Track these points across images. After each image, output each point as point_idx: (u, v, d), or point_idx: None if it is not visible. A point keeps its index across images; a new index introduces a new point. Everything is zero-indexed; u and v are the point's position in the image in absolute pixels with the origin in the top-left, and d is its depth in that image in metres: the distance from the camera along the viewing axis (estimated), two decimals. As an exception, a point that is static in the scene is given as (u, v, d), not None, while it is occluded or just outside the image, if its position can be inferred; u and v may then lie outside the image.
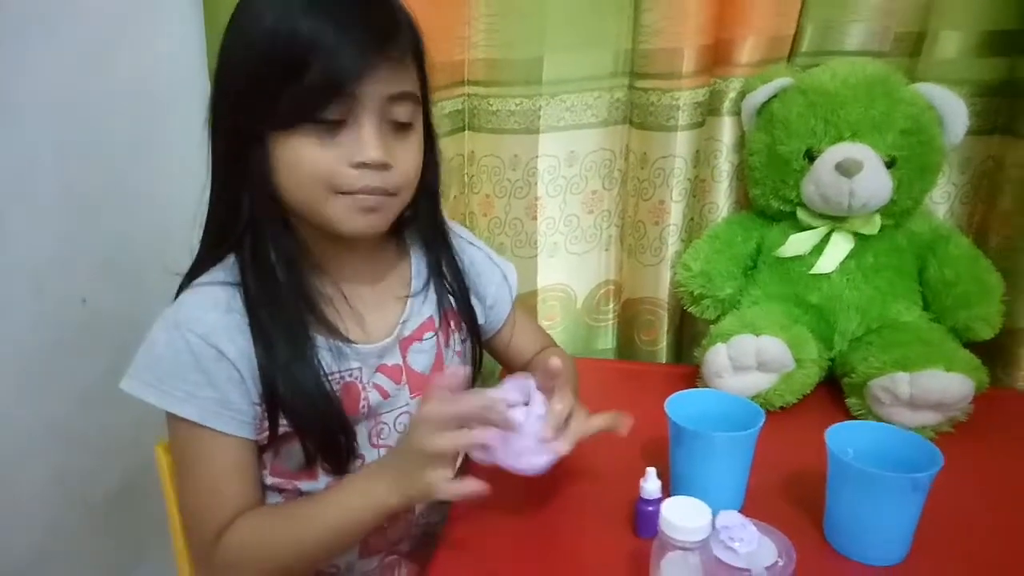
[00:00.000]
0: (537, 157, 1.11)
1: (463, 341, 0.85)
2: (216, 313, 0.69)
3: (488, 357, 0.92)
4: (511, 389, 0.71)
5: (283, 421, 0.71)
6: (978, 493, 0.82)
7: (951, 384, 0.86)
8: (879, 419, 0.89)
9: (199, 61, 1.02)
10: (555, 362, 0.69)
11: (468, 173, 1.14)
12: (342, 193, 0.67)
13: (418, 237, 0.83)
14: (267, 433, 0.72)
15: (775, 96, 1.02)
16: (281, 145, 0.66)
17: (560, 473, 0.77)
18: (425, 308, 0.81)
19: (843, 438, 0.70)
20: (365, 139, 0.66)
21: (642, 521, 0.71)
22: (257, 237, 0.70)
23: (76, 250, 0.94)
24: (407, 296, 0.80)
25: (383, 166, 0.67)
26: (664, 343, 1.16)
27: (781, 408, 0.95)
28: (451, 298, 0.84)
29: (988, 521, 0.77)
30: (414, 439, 0.65)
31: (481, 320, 0.88)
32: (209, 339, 0.68)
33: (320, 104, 0.64)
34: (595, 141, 1.13)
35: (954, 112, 0.98)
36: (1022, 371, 1.04)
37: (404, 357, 0.79)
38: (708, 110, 1.07)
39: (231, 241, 0.71)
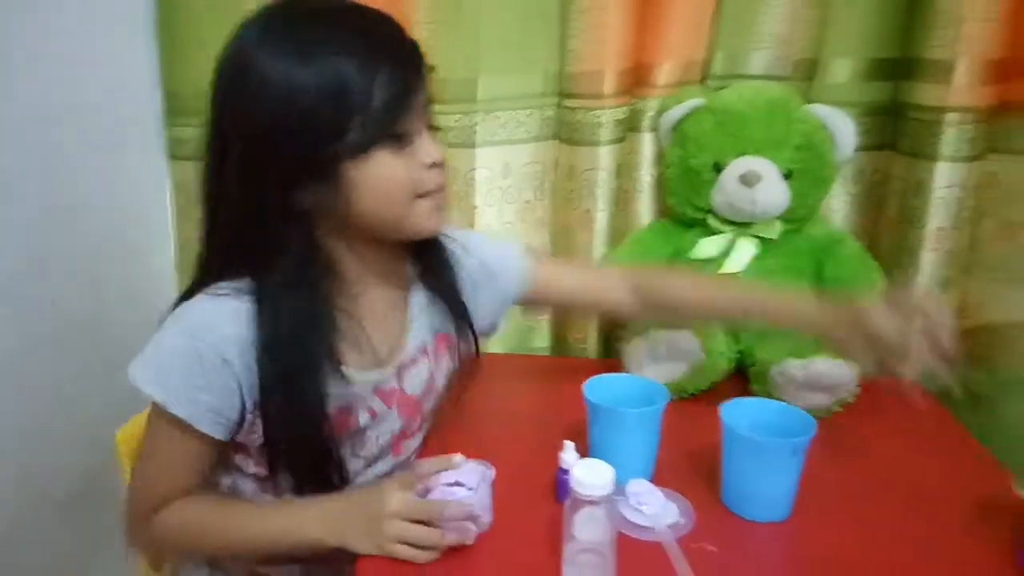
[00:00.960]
0: (475, 169, 1.20)
1: (452, 360, 0.90)
2: (231, 325, 0.72)
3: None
4: (468, 472, 0.74)
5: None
6: (857, 462, 0.93)
7: (837, 369, 0.98)
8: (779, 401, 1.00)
9: (154, 79, 1.09)
10: None
11: (411, 184, 1.23)
12: (419, 197, 0.73)
13: (420, 261, 0.86)
14: (257, 436, 0.76)
15: (688, 114, 1.13)
16: (357, 169, 0.70)
17: (494, 455, 0.85)
18: (422, 333, 0.86)
19: (737, 413, 0.81)
20: (428, 142, 0.73)
21: (560, 487, 0.79)
22: (290, 263, 0.72)
23: (46, 255, 0.99)
24: (407, 323, 0.85)
25: (443, 164, 0.75)
26: (592, 340, 1.25)
27: (693, 394, 1.05)
28: (446, 321, 0.88)
29: (863, 486, 0.88)
30: (383, 511, 0.71)
31: (499, 300, 0.93)
32: (218, 348, 0.71)
33: (394, 121, 0.70)
34: (527, 155, 1.23)
35: (843, 130, 1.10)
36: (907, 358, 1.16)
37: (401, 381, 0.84)
38: (629, 127, 1.18)
39: (258, 265, 0.72)
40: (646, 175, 1.22)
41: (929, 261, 1.12)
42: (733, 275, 1.10)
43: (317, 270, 0.74)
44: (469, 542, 0.73)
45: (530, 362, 1.25)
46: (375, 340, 0.80)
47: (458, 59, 1.13)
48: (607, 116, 1.13)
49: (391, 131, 0.70)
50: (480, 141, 1.19)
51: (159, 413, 0.74)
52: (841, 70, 1.15)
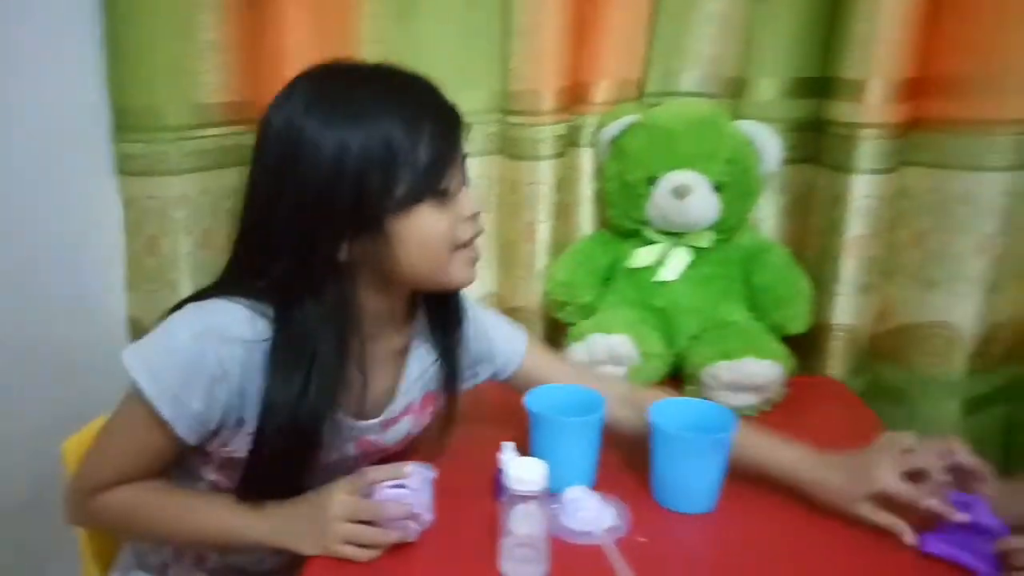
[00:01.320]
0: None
1: (431, 417, 0.93)
2: (243, 341, 0.73)
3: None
4: (414, 476, 0.78)
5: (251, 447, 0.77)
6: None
7: (762, 369, 1.04)
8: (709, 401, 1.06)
9: (100, 96, 1.10)
10: None
11: (360, 198, 1.26)
12: (457, 249, 0.77)
13: (435, 318, 0.88)
14: (229, 450, 0.78)
15: (624, 131, 1.19)
16: (402, 224, 0.73)
17: (443, 458, 0.90)
18: (414, 391, 0.89)
19: (665, 413, 0.86)
20: (466, 199, 0.77)
21: (499, 486, 0.83)
22: (319, 306, 0.74)
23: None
24: (402, 380, 0.87)
25: (479, 215, 0.79)
26: (538, 347, 1.30)
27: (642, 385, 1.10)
28: (437, 382, 0.90)
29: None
30: (328, 514, 0.75)
31: (487, 375, 0.96)
32: (225, 361, 0.72)
33: (438, 178, 0.74)
34: (474, 170, 1.25)
35: (769, 145, 1.17)
36: (831, 359, 1.24)
37: (383, 434, 0.87)
38: (569, 142, 1.23)
39: (288, 299, 0.74)
40: (586, 188, 1.28)
41: (850, 267, 1.20)
42: (668, 283, 1.16)
43: (343, 317, 0.76)
44: (411, 539, 0.77)
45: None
46: (371, 389, 0.82)
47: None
48: (547, 132, 1.18)
49: (435, 188, 0.74)
50: (426, 156, 1.23)
51: (139, 402, 0.73)
52: (767, 88, 1.23)
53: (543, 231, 1.24)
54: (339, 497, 0.76)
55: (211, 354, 0.72)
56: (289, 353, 0.74)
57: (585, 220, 1.30)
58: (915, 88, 1.14)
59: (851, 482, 0.80)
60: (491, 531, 0.76)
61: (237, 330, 0.73)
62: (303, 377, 0.74)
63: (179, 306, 0.77)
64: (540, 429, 0.87)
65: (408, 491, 0.77)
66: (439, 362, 0.89)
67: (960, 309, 1.21)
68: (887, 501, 0.79)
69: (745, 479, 0.87)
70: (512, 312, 1.31)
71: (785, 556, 0.79)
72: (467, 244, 0.79)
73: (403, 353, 0.88)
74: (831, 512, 0.82)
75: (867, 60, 1.11)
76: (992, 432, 1.29)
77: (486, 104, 1.22)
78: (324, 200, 0.72)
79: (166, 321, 0.76)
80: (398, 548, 0.77)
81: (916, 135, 1.18)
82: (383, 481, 0.77)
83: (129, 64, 1.09)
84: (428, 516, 0.78)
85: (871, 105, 1.13)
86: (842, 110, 1.16)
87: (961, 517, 0.75)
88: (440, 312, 0.88)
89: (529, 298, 1.28)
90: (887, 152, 1.16)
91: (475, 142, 1.25)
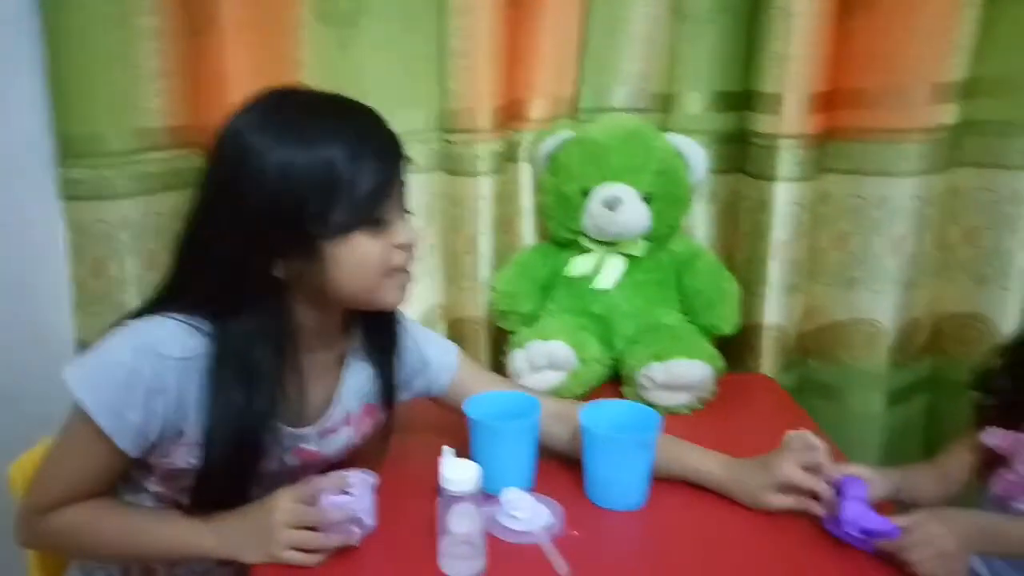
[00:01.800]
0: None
1: (373, 430, 0.96)
2: (182, 355, 0.76)
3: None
4: (356, 482, 0.81)
5: (189, 459, 0.80)
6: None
7: (692, 369, 1.10)
8: (646, 403, 1.11)
9: (42, 124, 1.12)
10: None
11: (306, 216, 1.29)
12: (388, 274, 0.81)
13: (370, 333, 0.92)
14: (169, 461, 0.81)
15: (559, 146, 1.24)
16: (337, 248, 0.77)
17: (387, 465, 0.93)
18: (350, 402, 0.92)
19: (595, 415, 0.91)
20: (402, 227, 0.81)
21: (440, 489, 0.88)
22: (255, 319, 0.78)
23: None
24: (339, 390, 0.91)
25: (414, 244, 0.83)
26: (484, 355, 1.34)
27: (571, 399, 1.15)
28: (375, 394, 0.93)
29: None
30: (273, 521, 0.78)
31: (418, 391, 1.00)
32: (160, 373, 0.75)
33: (375, 208, 0.77)
34: (417, 186, 1.30)
35: (696, 156, 1.23)
36: (763, 357, 1.30)
37: (320, 443, 0.90)
38: (507, 158, 1.28)
39: (224, 313, 0.78)
40: (526, 201, 1.33)
41: (776, 270, 1.27)
42: (604, 290, 1.21)
43: (278, 331, 0.80)
44: (354, 544, 0.80)
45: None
46: (307, 398, 0.86)
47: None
48: (485, 149, 1.23)
49: (371, 217, 0.78)
50: (369, 174, 1.27)
51: (82, 419, 0.76)
52: (693, 103, 1.30)
53: (485, 243, 1.28)
54: (283, 505, 0.79)
55: (147, 368, 0.75)
56: (227, 367, 0.77)
57: (527, 232, 1.34)
58: (828, 100, 1.22)
59: (760, 477, 0.88)
60: (432, 533, 0.80)
61: (172, 346, 0.76)
62: (243, 390, 0.77)
63: (119, 323, 0.80)
64: (478, 434, 0.91)
65: (351, 498, 0.81)
66: (376, 375, 0.92)
67: (880, 306, 1.29)
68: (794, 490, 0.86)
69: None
70: (458, 323, 1.35)
71: (710, 547, 0.84)
72: (398, 269, 0.82)
73: (340, 364, 0.91)
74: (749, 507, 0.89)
75: (782, 75, 1.18)
76: (915, 421, 1.38)
77: (426, 123, 1.27)
78: (262, 218, 0.75)
79: (105, 338, 0.79)
80: (342, 552, 0.80)
81: (832, 144, 1.26)
82: (327, 489, 0.80)
83: (71, 92, 1.11)
84: (370, 521, 0.82)
85: (788, 117, 1.20)
86: (763, 122, 1.23)
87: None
88: (375, 327, 0.91)
89: (474, 309, 1.32)
90: (806, 160, 1.23)
91: (417, 159, 1.28)
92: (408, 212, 0.85)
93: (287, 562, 0.77)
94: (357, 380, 0.92)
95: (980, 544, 0.82)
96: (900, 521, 0.78)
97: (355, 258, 0.78)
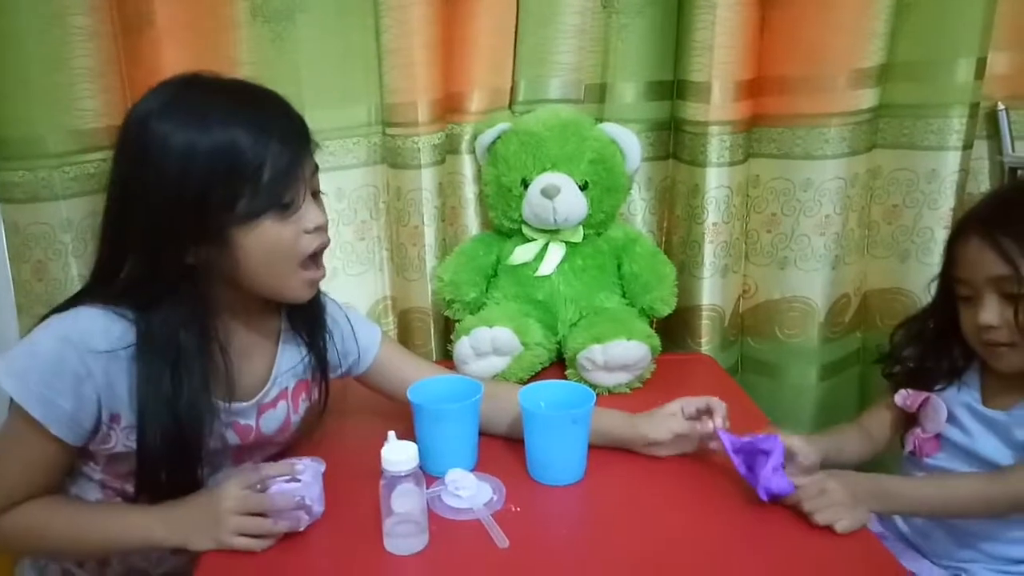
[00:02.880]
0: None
1: (309, 406, 0.99)
2: (104, 343, 0.78)
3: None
4: (305, 470, 0.84)
5: (127, 443, 0.82)
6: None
7: (630, 349, 1.14)
8: (588, 383, 1.15)
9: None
10: None
11: (250, 213, 1.31)
12: (302, 267, 0.82)
13: (296, 315, 0.94)
14: (108, 447, 0.83)
15: (498, 137, 1.27)
16: (245, 234, 0.78)
17: (335, 452, 0.96)
18: (285, 379, 0.94)
19: (535, 395, 0.95)
20: (312, 209, 0.82)
21: (383, 472, 0.91)
22: (176, 306, 0.80)
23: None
24: (273, 367, 0.93)
25: (325, 227, 0.84)
26: (432, 344, 1.37)
27: (517, 383, 1.18)
28: (307, 366, 0.96)
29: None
30: (221, 508, 0.80)
31: (346, 369, 1.02)
32: (87, 361, 0.78)
33: (281, 192, 0.78)
34: (360, 179, 1.33)
35: (630, 144, 1.27)
36: (703, 337, 1.35)
37: (258, 420, 0.92)
38: (448, 150, 1.31)
39: (145, 300, 0.80)
40: (469, 192, 1.36)
41: (710, 252, 1.32)
42: (546, 277, 1.25)
43: (200, 314, 0.82)
44: (301, 529, 0.83)
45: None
46: (242, 378, 0.88)
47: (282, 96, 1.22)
48: (424, 142, 1.25)
49: (278, 202, 0.79)
50: (312, 169, 1.28)
51: (17, 413, 0.78)
52: (626, 93, 1.33)
53: (429, 234, 1.31)
54: (230, 492, 0.81)
55: (72, 355, 0.77)
56: (153, 353, 0.79)
57: (471, 222, 1.37)
58: (754, 88, 1.27)
59: (653, 427, 0.96)
60: (377, 514, 0.83)
61: (95, 333, 0.78)
62: (171, 374, 0.80)
63: (46, 316, 0.82)
64: (421, 418, 0.94)
65: (300, 484, 0.83)
66: (306, 353, 0.95)
67: (811, 284, 1.35)
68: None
69: (608, 451, 0.97)
70: (406, 313, 1.38)
71: (645, 517, 0.88)
72: (313, 258, 0.84)
73: (274, 341, 0.94)
74: (695, 474, 0.95)
75: (709, 65, 1.22)
76: (848, 392, 1.45)
77: (367, 118, 1.29)
78: (169, 205, 0.77)
79: (32, 332, 0.80)
80: (289, 536, 0.82)
81: (759, 130, 1.31)
82: (276, 476, 0.82)
83: (6, 94, 1.11)
84: (318, 508, 0.85)
85: (716, 105, 1.24)
86: (692, 110, 1.27)
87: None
88: (299, 307, 0.93)
89: (421, 299, 1.35)
90: (735, 146, 1.28)
91: (360, 154, 1.31)
92: (320, 194, 0.86)
93: (235, 547, 0.80)
94: (291, 357, 0.95)
95: (874, 501, 0.87)
96: (799, 481, 0.84)
97: (264, 244, 0.80)
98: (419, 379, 0.99)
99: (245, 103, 0.80)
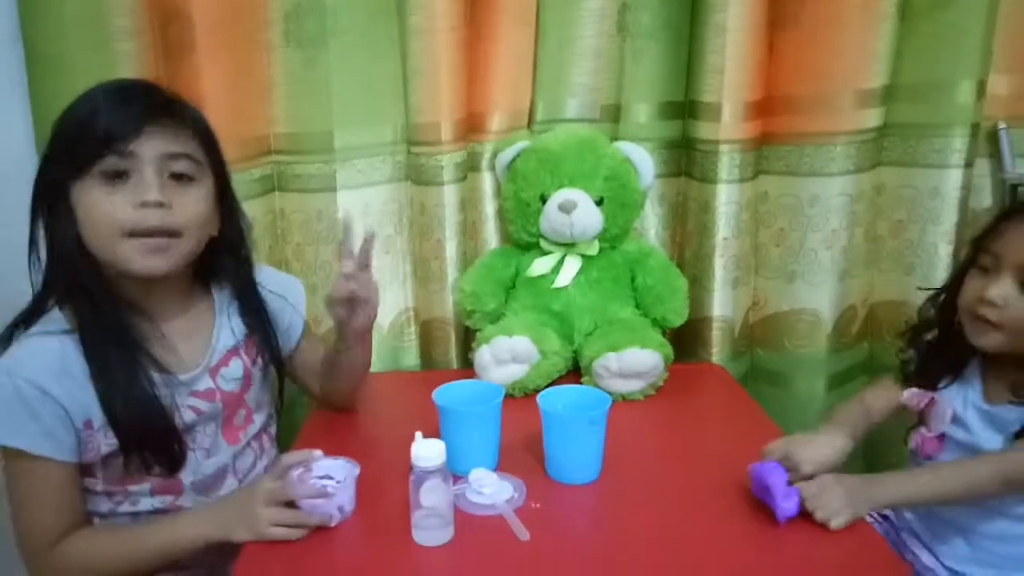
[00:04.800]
0: (338, 211, 1.36)
1: (266, 366, 1.05)
2: (44, 359, 0.85)
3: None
4: (338, 468, 0.91)
5: (108, 440, 0.88)
6: (662, 433, 1.15)
7: (644, 358, 1.19)
8: (603, 390, 1.20)
9: (27, 142, 1.18)
10: None
11: (280, 227, 1.37)
12: (129, 236, 0.85)
13: (223, 284, 1.02)
14: (94, 453, 0.89)
15: (518, 155, 1.34)
16: (80, 195, 0.84)
17: (368, 453, 1.02)
18: (230, 337, 1.00)
19: (553, 399, 1.00)
20: (143, 185, 0.84)
21: (412, 470, 0.96)
22: (81, 289, 0.87)
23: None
24: (213, 330, 0.99)
25: (159, 205, 0.85)
26: (453, 353, 1.43)
27: (535, 390, 1.23)
28: (252, 329, 1.03)
29: (666, 452, 1.09)
30: (256, 501, 0.85)
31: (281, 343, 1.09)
32: (35, 382, 0.84)
33: (102, 156, 0.83)
34: (386, 195, 1.40)
35: (644, 162, 1.33)
36: (714, 347, 1.40)
37: (215, 381, 0.98)
38: (469, 167, 1.37)
39: (57, 292, 0.88)
40: (489, 207, 1.42)
41: (720, 265, 1.37)
42: (563, 288, 1.31)
43: (105, 290, 0.88)
44: (332, 525, 0.88)
45: (403, 379, 1.41)
46: (183, 348, 0.95)
47: (313, 115, 1.30)
48: (447, 160, 1.32)
49: (103, 166, 0.83)
50: (340, 185, 1.35)
51: (7, 457, 0.85)
52: (640, 112, 1.39)
53: (451, 248, 1.37)
54: (264, 486, 0.87)
55: (20, 383, 0.83)
56: (91, 349, 0.86)
57: (491, 236, 1.43)
58: (763, 108, 1.32)
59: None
60: (407, 509, 0.88)
61: (33, 354, 0.86)
62: (116, 362, 0.87)
63: None
64: (446, 419, 1.00)
65: (335, 483, 0.89)
66: (244, 318, 1.03)
67: (818, 296, 1.40)
68: None
69: (622, 452, 1.02)
70: (428, 323, 1.44)
71: (659, 514, 0.93)
72: (142, 233, 0.85)
73: (210, 316, 1.00)
74: (707, 480, 0.98)
75: (719, 86, 1.28)
76: (855, 402, 1.48)
77: (393, 137, 1.36)
78: (43, 162, 0.87)
79: None
80: (324, 529, 0.88)
81: (768, 148, 1.36)
82: (295, 464, 0.88)
83: (51, 119, 1.17)
84: (349, 507, 0.91)
85: (726, 124, 1.30)
86: (703, 129, 1.33)
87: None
88: (226, 285, 1.02)
89: (443, 309, 1.41)
90: (744, 163, 1.33)
91: (386, 170, 1.38)
92: (186, 178, 0.89)
93: (272, 537, 0.85)
94: (232, 317, 1.01)
95: (870, 498, 0.90)
96: (803, 485, 0.88)
97: (89, 211, 0.85)
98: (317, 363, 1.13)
99: (116, 87, 0.88)
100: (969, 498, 0.96)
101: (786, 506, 0.87)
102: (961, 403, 1.02)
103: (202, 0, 1.18)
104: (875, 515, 1.07)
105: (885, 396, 1.10)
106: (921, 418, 1.06)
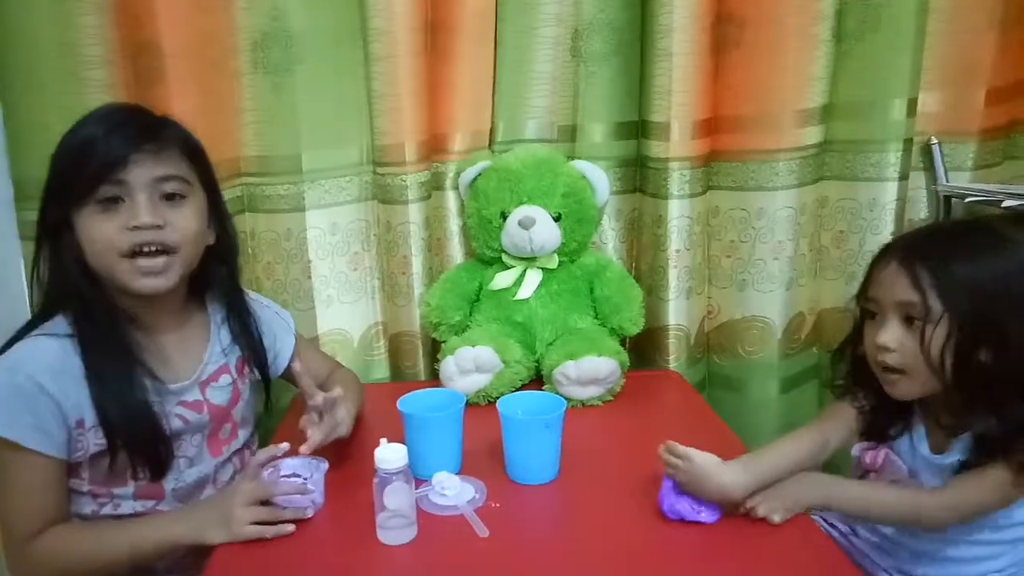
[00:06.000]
0: (306, 230, 1.41)
1: (256, 381, 1.11)
2: (44, 358, 0.90)
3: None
4: (305, 465, 0.97)
5: (98, 441, 0.93)
6: (618, 437, 1.20)
7: (600, 365, 1.25)
8: (563, 397, 1.25)
9: (3, 170, 1.22)
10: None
11: (251, 247, 1.42)
12: (126, 257, 0.91)
13: (217, 297, 1.08)
14: (82, 452, 0.93)
15: (479, 174, 1.40)
16: (80, 223, 0.91)
17: (339, 459, 1.06)
18: (221, 356, 1.06)
19: (512, 404, 1.05)
20: (136, 209, 0.90)
21: (377, 474, 1.00)
22: (82, 300, 0.93)
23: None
24: (207, 345, 1.04)
25: (155, 227, 0.91)
26: (421, 365, 1.48)
27: (498, 398, 1.28)
28: (243, 348, 1.08)
29: (622, 455, 1.14)
30: (232, 502, 0.90)
31: (272, 360, 1.14)
32: (34, 378, 0.89)
33: (97, 187, 0.89)
34: (353, 214, 1.45)
35: (599, 180, 1.40)
36: (670, 355, 1.46)
37: (204, 394, 1.03)
38: (433, 186, 1.43)
39: (60, 304, 0.93)
40: (453, 224, 1.48)
41: (674, 276, 1.43)
42: (525, 300, 1.36)
43: (108, 308, 0.94)
44: (306, 516, 0.93)
45: (373, 391, 1.44)
46: (176, 360, 1.00)
47: (281, 139, 1.36)
48: (412, 179, 1.37)
49: (96, 197, 0.89)
50: (309, 205, 1.40)
51: (1, 447, 0.89)
52: (595, 132, 1.46)
53: (417, 264, 1.42)
54: (240, 487, 0.91)
55: (22, 377, 0.88)
56: (88, 353, 0.91)
57: (455, 251, 1.49)
58: (710, 127, 1.40)
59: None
60: (371, 510, 0.92)
61: (37, 352, 0.91)
62: (110, 367, 0.92)
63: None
64: (410, 425, 1.05)
65: (303, 479, 0.94)
66: (238, 336, 1.08)
67: (768, 304, 1.47)
68: None
69: (579, 454, 1.07)
70: (396, 336, 1.49)
71: (615, 513, 0.98)
72: (135, 254, 0.91)
73: (205, 331, 1.05)
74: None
75: (668, 107, 1.35)
76: (807, 405, 1.56)
77: (359, 158, 1.41)
78: (45, 191, 0.93)
79: None
80: (293, 532, 0.92)
81: (716, 164, 1.44)
82: (267, 458, 0.93)
83: (27, 141, 1.21)
84: (320, 499, 0.96)
85: (675, 142, 1.37)
86: (655, 148, 1.40)
87: None
88: (222, 301, 1.07)
89: (411, 323, 1.46)
90: (694, 179, 1.40)
91: (352, 190, 1.43)
92: (177, 197, 0.94)
93: (247, 537, 0.89)
94: (224, 340, 1.06)
95: (811, 498, 0.94)
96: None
97: (88, 236, 0.91)
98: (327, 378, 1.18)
99: (110, 109, 0.94)
100: (910, 520, 0.96)
101: (705, 517, 0.93)
102: (911, 456, 1.00)
103: (171, 30, 1.23)
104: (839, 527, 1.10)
105: (842, 421, 1.06)
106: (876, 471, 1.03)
